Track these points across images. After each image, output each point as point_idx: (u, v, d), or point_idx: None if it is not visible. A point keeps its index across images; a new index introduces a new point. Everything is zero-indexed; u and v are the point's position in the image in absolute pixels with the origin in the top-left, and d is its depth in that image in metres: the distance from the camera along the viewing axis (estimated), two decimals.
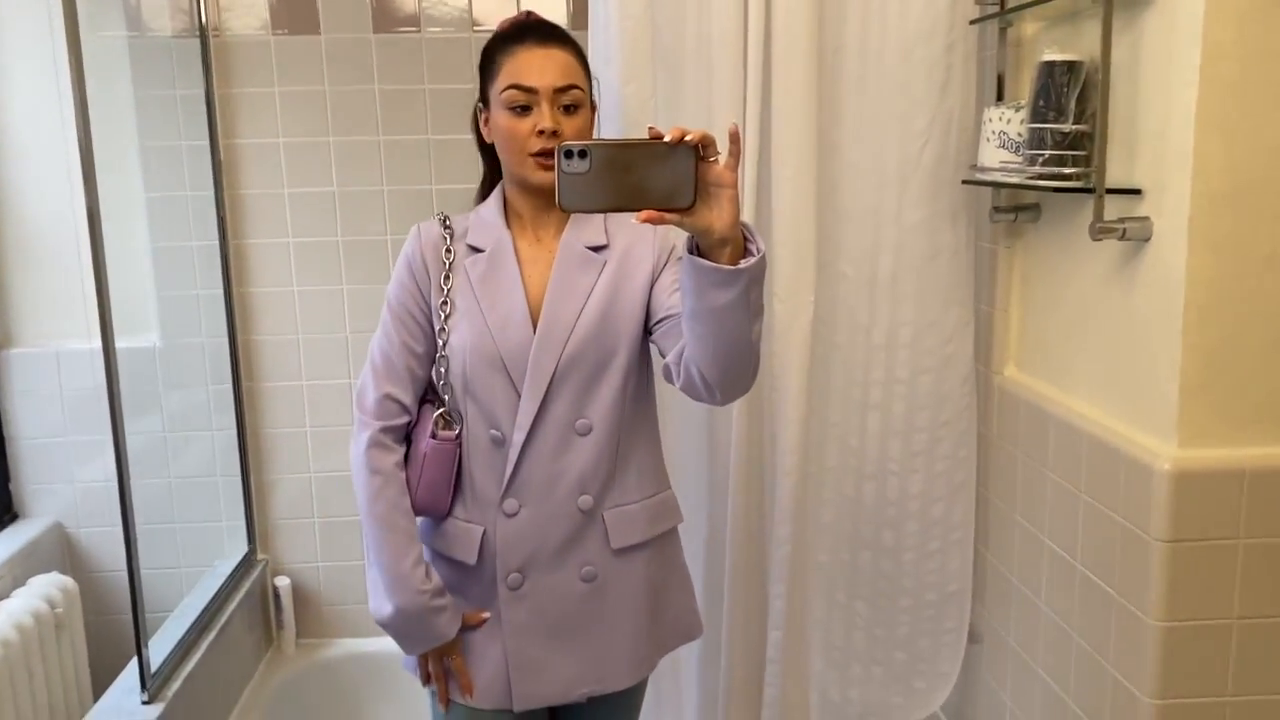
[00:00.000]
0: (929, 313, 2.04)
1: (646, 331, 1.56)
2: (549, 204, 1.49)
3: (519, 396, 1.50)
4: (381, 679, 2.64)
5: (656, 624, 1.65)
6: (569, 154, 1.16)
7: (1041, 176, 1.69)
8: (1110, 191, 1.60)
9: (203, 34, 2.42)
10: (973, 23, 1.93)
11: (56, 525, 2.60)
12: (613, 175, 1.17)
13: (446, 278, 1.54)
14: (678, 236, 1.38)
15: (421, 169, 2.52)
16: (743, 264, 1.22)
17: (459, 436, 1.55)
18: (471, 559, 1.56)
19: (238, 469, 2.57)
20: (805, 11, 1.88)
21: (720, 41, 1.90)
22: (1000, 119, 1.81)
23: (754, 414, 2.04)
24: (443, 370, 1.54)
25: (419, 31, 2.48)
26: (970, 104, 1.97)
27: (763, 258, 1.24)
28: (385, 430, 1.54)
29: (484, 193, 1.66)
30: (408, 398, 1.56)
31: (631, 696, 1.69)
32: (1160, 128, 1.54)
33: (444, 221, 1.58)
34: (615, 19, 1.88)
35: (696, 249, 1.24)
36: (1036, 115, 1.70)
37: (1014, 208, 1.95)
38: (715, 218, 1.19)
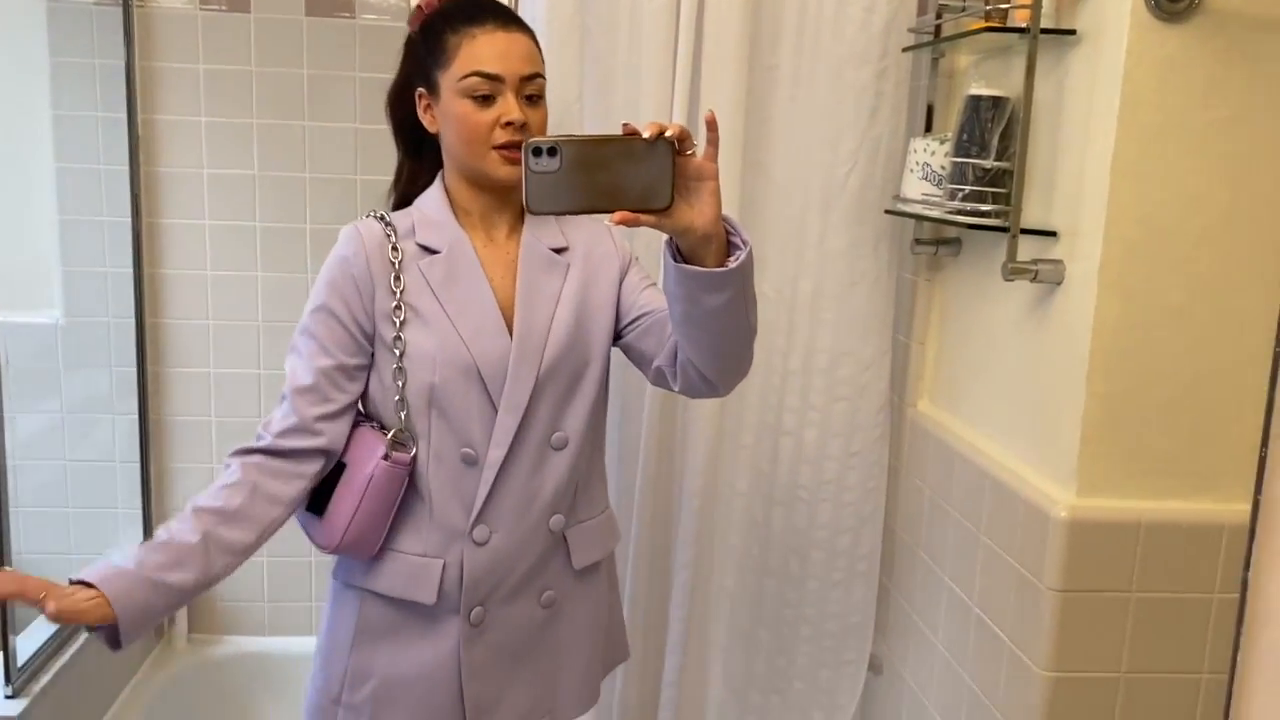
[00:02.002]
0: (847, 341, 2.01)
1: (616, 336, 1.47)
2: (503, 201, 1.41)
3: (495, 411, 1.37)
4: (273, 679, 2.56)
5: (604, 648, 1.58)
6: (538, 151, 1.07)
7: (960, 212, 1.67)
8: (1026, 232, 1.58)
9: (126, 3, 2.33)
10: (905, 50, 1.91)
11: None
12: (585, 174, 1.08)
13: (396, 278, 1.37)
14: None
15: (346, 158, 2.45)
16: (732, 263, 1.15)
17: (414, 458, 1.38)
18: (431, 598, 1.39)
19: (138, 455, 2.48)
20: (738, 26, 1.85)
21: (650, 49, 1.85)
22: (925, 150, 1.78)
23: (665, 434, 2.00)
24: (399, 384, 1.37)
25: (353, 17, 2.41)
26: (900, 132, 1.95)
27: (750, 251, 1.17)
28: (289, 457, 1.35)
29: (401, 188, 1.51)
30: (338, 427, 1.37)
31: None
32: (1078, 171, 1.52)
33: (384, 220, 1.41)
34: (544, 18, 1.83)
35: (677, 251, 1.17)
36: (960, 149, 1.67)
37: (936, 240, 1.93)
38: (696, 215, 1.11)
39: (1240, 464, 1.50)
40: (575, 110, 1.88)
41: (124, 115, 2.36)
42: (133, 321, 2.43)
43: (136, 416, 2.46)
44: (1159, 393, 1.49)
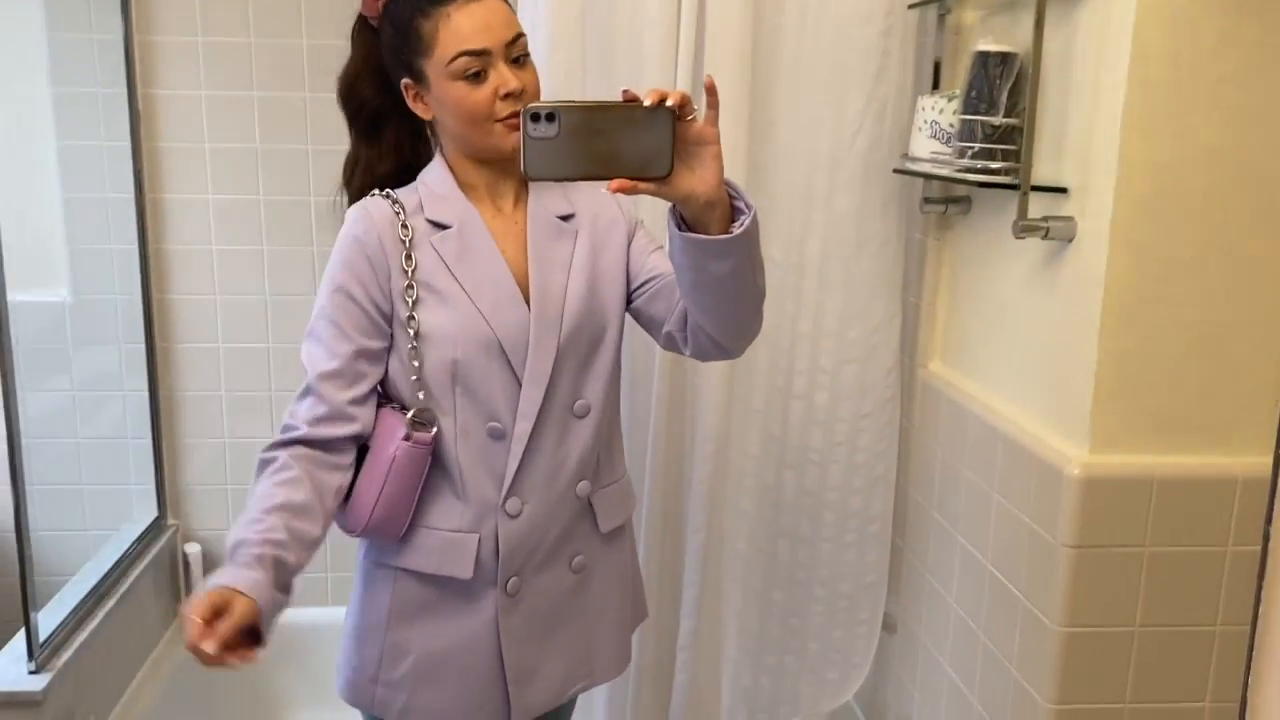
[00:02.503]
0: (856, 302, 2.01)
1: (627, 301, 1.47)
2: (507, 171, 1.39)
3: (519, 384, 1.37)
4: (289, 649, 2.58)
5: (630, 607, 1.60)
6: (536, 117, 1.06)
7: (970, 170, 1.65)
8: (1036, 189, 1.57)
9: None
10: (911, 7, 1.89)
11: None
12: (583, 141, 1.07)
13: (408, 258, 1.35)
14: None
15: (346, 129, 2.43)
16: (737, 229, 1.15)
17: (435, 437, 1.38)
18: (468, 572, 1.40)
19: (148, 432, 2.49)
20: None
21: (653, 11, 1.84)
22: (933, 108, 1.77)
23: (675, 399, 2.00)
24: (415, 364, 1.36)
25: None
26: (907, 91, 1.93)
27: (754, 216, 1.16)
28: (327, 447, 1.33)
29: (359, 179, 1.44)
30: (367, 411, 1.36)
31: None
32: (1088, 127, 1.51)
33: (390, 197, 1.38)
34: None
35: (681, 220, 1.16)
36: (968, 107, 1.66)
37: (945, 199, 1.92)
38: (698, 181, 1.11)
39: (1254, 418, 1.50)
40: (579, 76, 1.86)
41: (124, 91, 2.35)
42: (139, 298, 2.43)
43: (146, 392, 2.47)
44: (1172, 348, 1.49)
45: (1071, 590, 1.52)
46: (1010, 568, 1.67)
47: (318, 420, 1.33)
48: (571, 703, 1.60)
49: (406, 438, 1.35)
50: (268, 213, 2.46)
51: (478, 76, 1.32)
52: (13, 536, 2.33)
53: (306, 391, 1.35)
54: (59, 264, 2.45)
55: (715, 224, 1.15)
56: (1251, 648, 0.68)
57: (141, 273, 2.42)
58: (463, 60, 1.31)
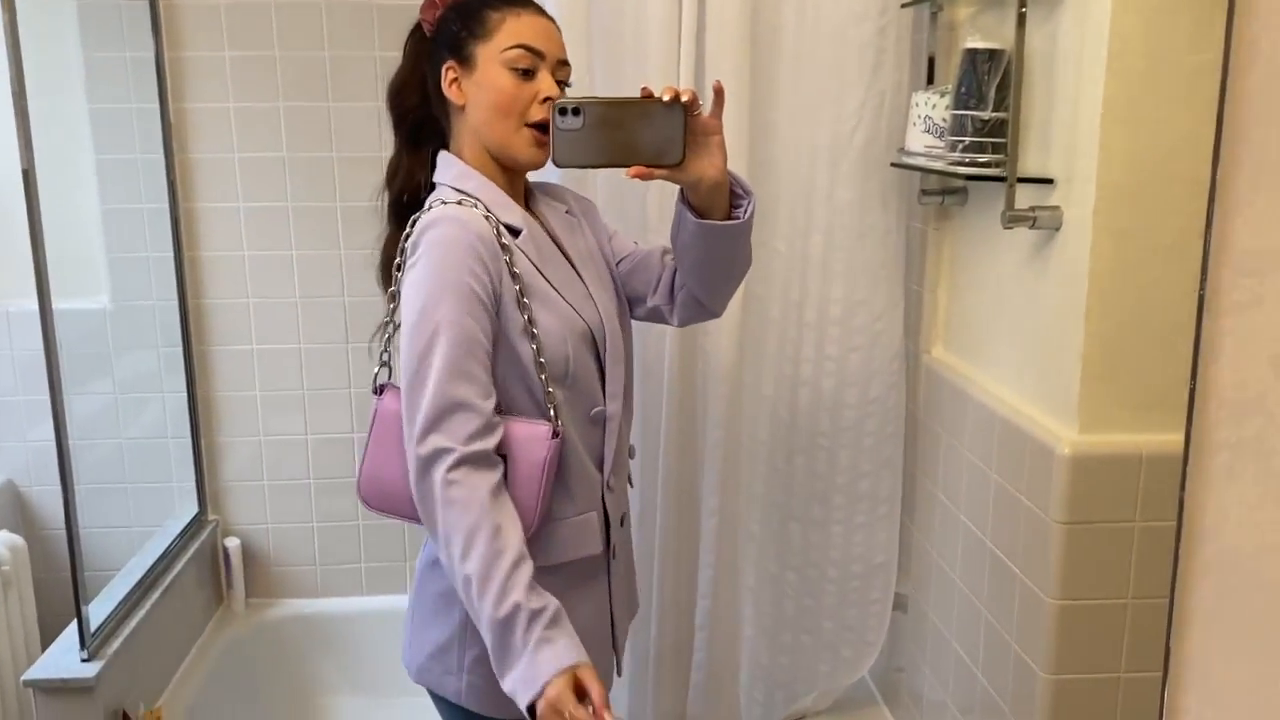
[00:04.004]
0: (859, 291, 2.07)
1: None
2: (517, 178, 1.47)
3: (602, 368, 1.44)
4: (326, 638, 2.70)
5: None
6: (564, 111, 1.22)
7: (960, 163, 1.72)
8: (1023, 180, 1.63)
9: None
10: (904, 6, 1.95)
11: (9, 484, 2.63)
12: (605, 132, 1.22)
13: (509, 263, 1.35)
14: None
15: (371, 136, 2.53)
16: (745, 215, 1.35)
17: (556, 434, 1.37)
18: (598, 547, 1.46)
19: (188, 431, 2.60)
20: None
21: (656, 15, 1.91)
22: (927, 104, 1.83)
23: (686, 387, 2.08)
24: (541, 361, 1.36)
25: None
26: (903, 87, 1.99)
27: (754, 200, 1.36)
28: (487, 463, 1.29)
29: (399, 184, 1.48)
30: (499, 419, 1.33)
31: None
32: (1072, 119, 1.57)
33: (475, 205, 1.36)
34: None
35: (688, 204, 1.33)
36: (959, 102, 1.72)
37: (942, 191, 1.98)
38: (707, 165, 1.28)
39: None
40: (586, 79, 1.94)
41: (156, 105, 2.46)
42: (176, 303, 2.54)
43: (185, 394, 2.58)
44: (1154, 330, 1.54)
45: (1064, 565, 1.58)
46: (1008, 545, 1.74)
47: (474, 435, 1.28)
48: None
49: (555, 435, 1.35)
50: (296, 219, 2.56)
51: (527, 74, 1.37)
52: (63, 534, 2.47)
53: (442, 414, 1.27)
54: (99, 273, 2.57)
55: (719, 206, 1.32)
56: (1171, 614, 0.75)
57: (177, 279, 2.53)
58: (518, 51, 1.37)
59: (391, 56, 2.47)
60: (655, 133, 1.23)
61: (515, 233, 1.39)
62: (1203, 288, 0.67)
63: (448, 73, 1.42)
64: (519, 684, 1.21)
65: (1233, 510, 0.68)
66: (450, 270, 1.29)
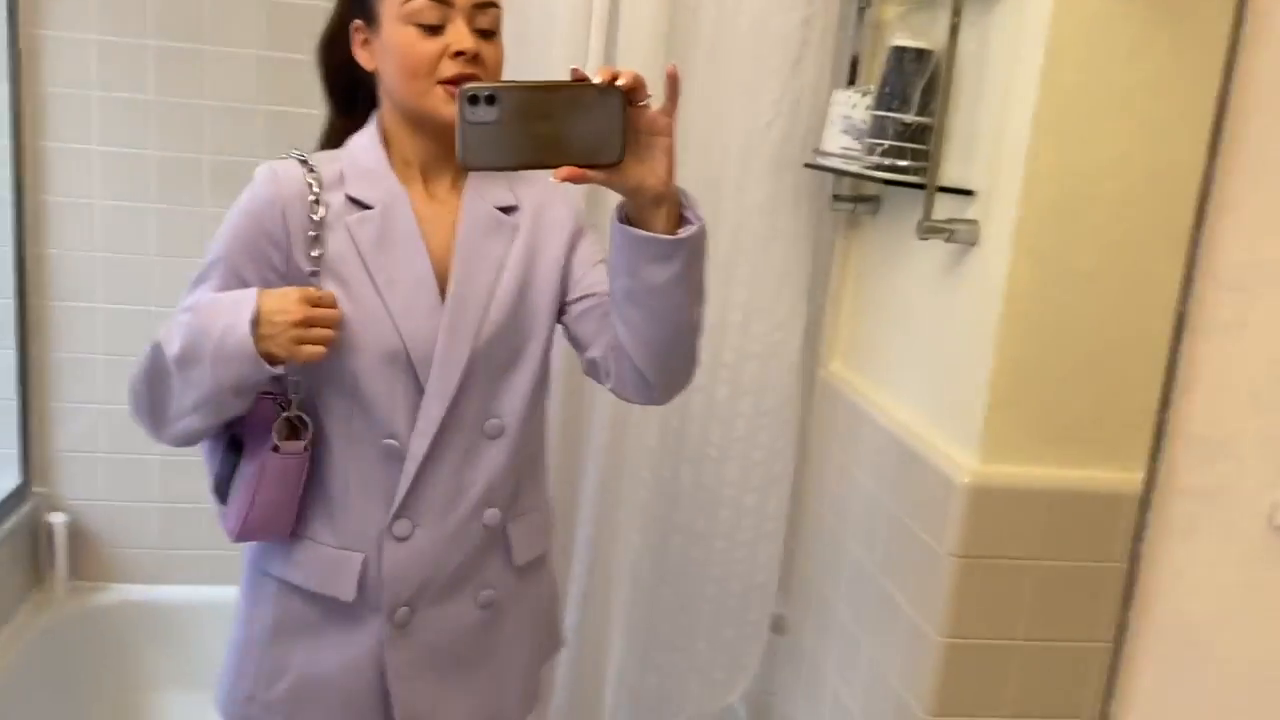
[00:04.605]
0: (761, 297, 1.96)
1: (559, 313, 1.34)
2: (448, 149, 1.15)
3: (421, 395, 1.23)
4: (160, 628, 2.46)
5: (544, 643, 1.48)
6: (474, 99, 0.96)
7: (879, 167, 1.62)
8: (944, 190, 1.54)
9: None
10: None
11: None
12: (527, 125, 0.97)
13: (316, 239, 1.20)
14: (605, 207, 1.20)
15: (248, 86, 2.32)
16: (683, 233, 1.07)
17: (308, 447, 1.24)
18: (349, 594, 1.27)
19: (15, 393, 2.35)
20: None
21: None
22: (847, 103, 1.73)
23: (572, 386, 1.94)
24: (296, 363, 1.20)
25: None
26: (824, 84, 1.89)
27: (703, 228, 1.09)
28: None
29: (331, 139, 1.34)
30: None
31: None
32: (999, 129, 1.48)
33: (306, 164, 1.24)
34: None
35: (627, 218, 1.08)
36: (881, 102, 1.62)
37: (855, 198, 1.89)
38: (648, 172, 1.03)
39: (1143, 435, 1.48)
40: None
41: (4, 29, 2.21)
42: (11, 250, 2.29)
43: (15, 352, 2.33)
44: (1069, 359, 1.47)
45: (955, 601, 1.50)
46: (897, 575, 1.64)
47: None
48: None
49: (275, 448, 1.22)
50: (159, 169, 2.33)
51: (433, 30, 1.20)
52: None
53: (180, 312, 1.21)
54: None
55: (661, 225, 1.08)
56: (1114, 667, 0.64)
57: (15, 223, 2.27)
58: (419, 3, 1.19)
59: (281, 3, 2.31)
60: (588, 125, 0.98)
61: (364, 207, 1.24)
62: (1183, 304, 0.56)
63: (356, 34, 1.27)
64: (231, 328, 1.13)
65: (1188, 570, 0.57)
66: (224, 233, 1.23)
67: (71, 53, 2.25)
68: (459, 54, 1.20)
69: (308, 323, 1.15)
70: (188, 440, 1.26)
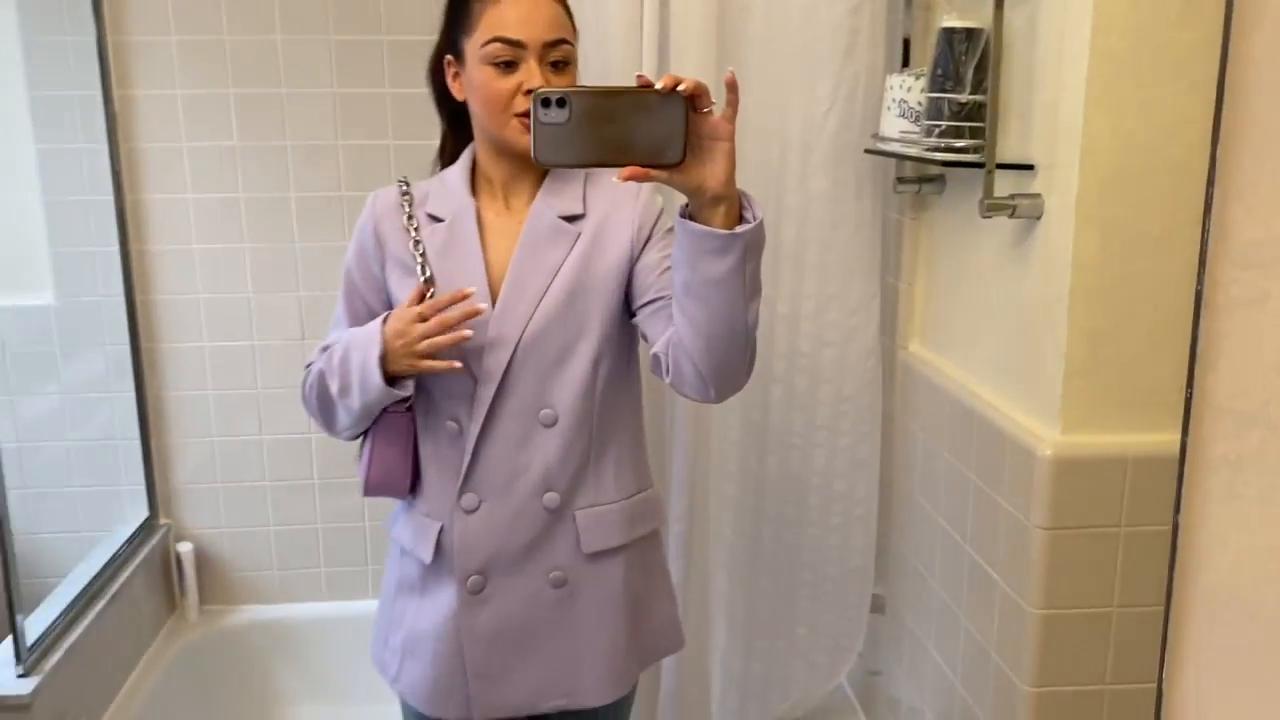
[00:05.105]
0: (832, 285, 1.99)
1: (630, 314, 1.42)
2: (524, 168, 1.40)
3: (476, 384, 1.37)
4: (286, 645, 2.60)
5: (635, 635, 1.50)
6: (546, 102, 1.05)
7: (937, 148, 1.63)
8: (1002, 166, 1.54)
9: None
10: None
11: None
12: (594, 127, 1.06)
13: (416, 243, 1.40)
14: (672, 206, 1.27)
15: (326, 123, 2.42)
16: (739, 229, 1.14)
17: (411, 410, 1.43)
18: (427, 556, 1.43)
19: (137, 433, 2.50)
20: None
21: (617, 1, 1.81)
22: (901, 86, 1.74)
23: (652, 385, 1.98)
24: None
25: None
26: (878, 69, 1.90)
27: (760, 225, 1.16)
28: None
29: (444, 156, 1.53)
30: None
31: (614, 714, 1.53)
32: (1053, 101, 1.48)
33: (403, 188, 1.45)
34: None
35: (689, 215, 1.16)
36: (935, 84, 1.63)
37: (918, 179, 1.89)
38: (708, 174, 1.10)
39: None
40: None
41: (99, 92, 2.35)
42: (123, 300, 2.43)
43: (134, 394, 2.48)
44: (1142, 326, 1.46)
45: (1046, 572, 1.50)
46: (988, 550, 1.65)
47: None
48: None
49: (384, 410, 1.42)
50: (248, 211, 2.45)
51: (508, 66, 1.34)
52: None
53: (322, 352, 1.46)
54: (43, 268, 2.45)
55: (720, 223, 1.14)
56: (1165, 635, 0.67)
57: (124, 274, 2.42)
58: (495, 46, 1.33)
59: (346, 40, 2.41)
60: (651, 128, 1.06)
61: (437, 220, 1.43)
62: (1200, 283, 0.59)
63: (449, 69, 1.43)
64: (366, 364, 1.34)
65: (1233, 535, 0.59)
66: (348, 251, 1.49)
67: (161, 109, 2.39)
68: (529, 91, 1.30)
69: (422, 337, 1.31)
70: (356, 435, 1.48)
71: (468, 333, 1.31)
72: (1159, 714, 0.63)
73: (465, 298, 1.32)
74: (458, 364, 1.33)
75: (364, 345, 1.35)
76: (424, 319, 1.31)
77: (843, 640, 2.19)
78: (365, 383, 1.35)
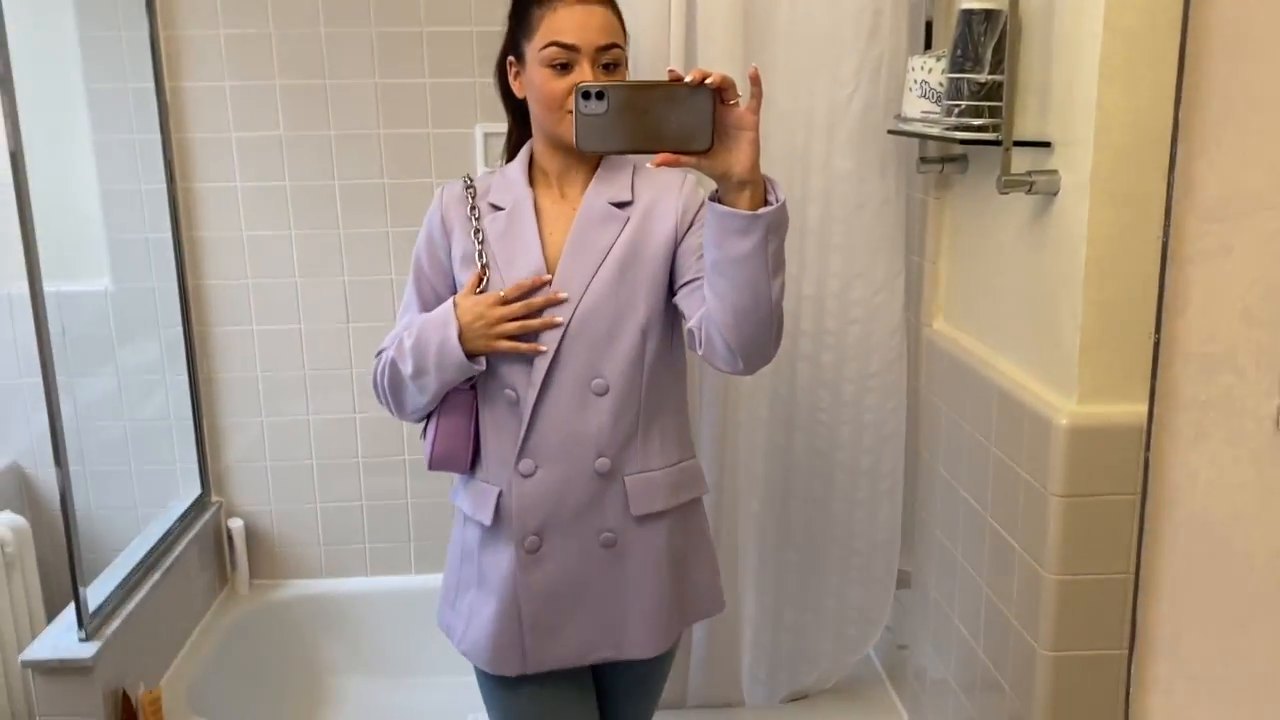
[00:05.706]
0: (857, 263, 2.03)
1: (671, 294, 1.52)
2: (578, 160, 1.52)
3: (529, 359, 1.49)
4: (332, 618, 2.69)
5: (679, 594, 1.60)
6: (586, 95, 1.18)
7: (957, 128, 1.67)
8: (1020, 144, 1.58)
9: None
10: None
11: (14, 466, 2.64)
12: (630, 117, 1.18)
13: (477, 231, 1.53)
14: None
15: (369, 114, 2.50)
16: (762, 211, 1.24)
17: (474, 388, 1.54)
18: (487, 519, 1.54)
19: (190, 413, 2.60)
20: None
21: None
22: (923, 68, 1.78)
23: None
24: None
25: None
26: (900, 51, 1.94)
27: (783, 207, 1.26)
28: None
29: (511, 148, 1.65)
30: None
31: (657, 667, 1.66)
32: (1069, 79, 1.52)
33: (467, 182, 1.58)
34: None
35: (717, 199, 1.27)
36: (954, 65, 1.67)
37: (941, 159, 1.93)
38: (735, 161, 1.20)
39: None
40: None
41: (152, 85, 2.44)
42: (175, 285, 2.53)
43: (186, 376, 2.58)
44: (1153, 299, 1.49)
45: (1063, 539, 1.54)
46: (1008, 519, 1.69)
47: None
48: (610, 675, 1.66)
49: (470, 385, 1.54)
50: (294, 198, 2.54)
51: (564, 69, 1.46)
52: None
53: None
54: (100, 254, 2.56)
55: (745, 205, 1.25)
56: (1137, 574, 0.71)
57: (176, 260, 2.52)
58: (552, 49, 1.45)
59: (388, 31, 2.49)
60: (682, 117, 1.18)
61: (498, 209, 1.54)
62: (1166, 235, 0.63)
63: (511, 69, 1.56)
64: (445, 343, 1.46)
65: (1202, 473, 0.64)
66: (417, 243, 1.60)
67: (210, 100, 2.48)
68: None
69: (501, 320, 1.45)
70: (423, 416, 1.59)
71: (559, 319, 1.45)
72: (1133, 645, 0.68)
73: (545, 284, 1.46)
74: (542, 346, 1.45)
75: (440, 326, 1.47)
76: (506, 302, 1.44)
77: (870, 613, 2.24)
78: (444, 360, 1.46)
